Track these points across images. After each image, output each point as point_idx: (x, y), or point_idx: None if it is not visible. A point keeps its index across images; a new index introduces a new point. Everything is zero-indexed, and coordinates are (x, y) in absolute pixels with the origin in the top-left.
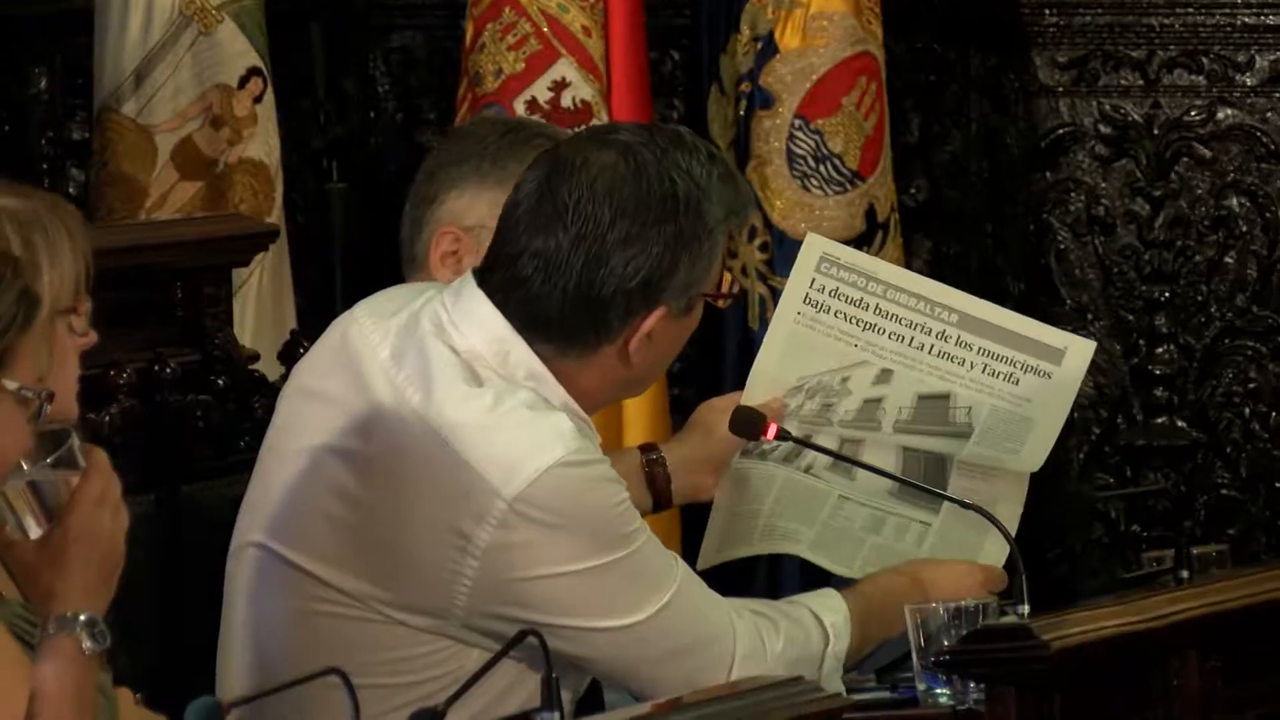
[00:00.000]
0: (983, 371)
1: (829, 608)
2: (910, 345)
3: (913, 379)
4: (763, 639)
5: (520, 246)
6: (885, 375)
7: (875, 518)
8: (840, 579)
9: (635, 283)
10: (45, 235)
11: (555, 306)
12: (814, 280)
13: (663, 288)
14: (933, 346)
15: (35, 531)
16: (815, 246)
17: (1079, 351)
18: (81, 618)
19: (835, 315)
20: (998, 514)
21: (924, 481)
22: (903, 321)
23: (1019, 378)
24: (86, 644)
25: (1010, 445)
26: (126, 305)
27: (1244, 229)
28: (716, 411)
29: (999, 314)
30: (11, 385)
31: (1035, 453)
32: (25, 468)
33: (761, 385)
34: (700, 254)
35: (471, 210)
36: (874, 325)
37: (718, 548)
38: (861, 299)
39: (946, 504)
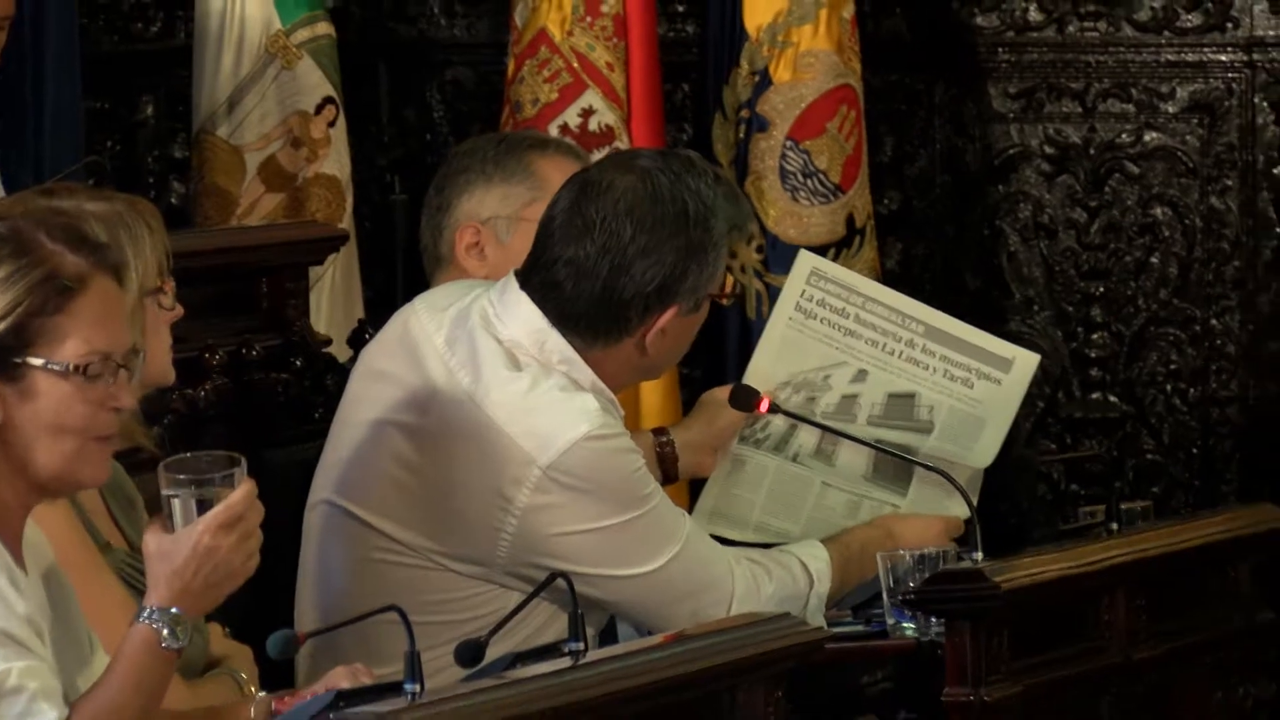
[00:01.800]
0: (943, 376)
1: (813, 555)
2: (883, 350)
3: (884, 379)
4: (757, 583)
5: (555, 255)
6: (861, 375)
7: (852, 503)
8: None
9: (652, 287)
10: (129, 230)
11: (584, 306)
12: (804, 291)
13: (675, 291)
14: (902, 352)
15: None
16: (806, 262)
17: (1025, 362)
18: (172, 611)
19: (821, 322)
20: (956, 504)
21: (892, 473)
22: (878, 330)
23: (973, 382)
24: (165, 639)
25: (965, 442)
26: (220, 298)
27: (1166, 234)
28: (717, 399)
29: (959, 327)
30: (38, 361)
31: (987, 449)
32: (194, 479)
33: (757, 379)
34: (707, 262)
35: (484, 205)
36: (853, 332)
37: (709, 518)
38: (844, 309)
39: (913, 486)
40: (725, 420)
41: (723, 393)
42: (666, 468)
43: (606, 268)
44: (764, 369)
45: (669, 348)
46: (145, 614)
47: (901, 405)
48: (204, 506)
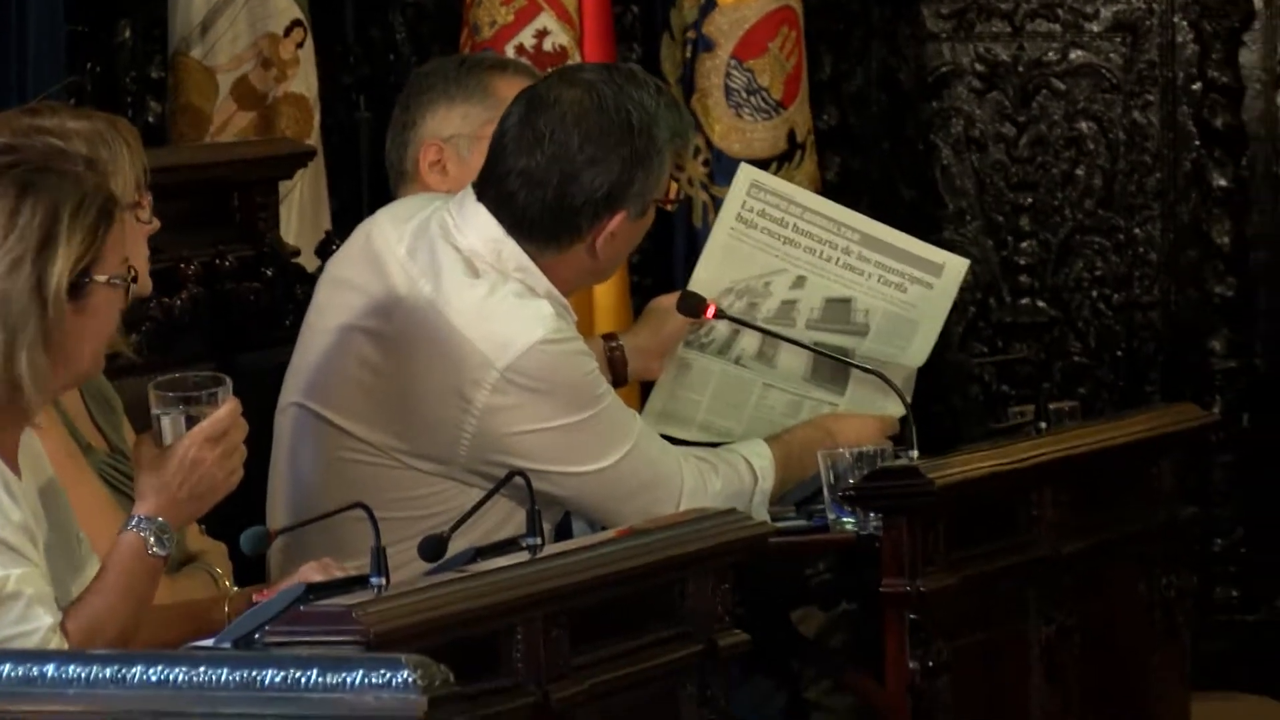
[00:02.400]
0: (878, 281)
1: (757, 453)
2: (820, 258)
3: (822, 285)
4: (704, 479)
5: (508, 167)
6: (800, 281)
7: (793, 403)
8: None
9: (600, 194)
10: (109, 147)
11: (536, 214)
12: (745, 203)
13: (622, 197)
14: (838, 259)
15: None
16: (746, 175)
17: (955, 267)
18: (159, 520)
19: (761, 231)
20: (892, 404)
21: (830, 374)
22: (814, 238)
23: (906, 287)
24: (152, 546)
25: (899, 343)
26: (194, 211)
27: (1091, 147)
28: (663, 306)
29: (892, 234)
30: (102, 278)
31: (920, 350)
32: (182, 397)
33: (701, 286)
34: (651, 169)
35: (447, 123)
36: (792, 240)
37: (658, 419)
38: (783, 219)
39: (850, 386)
40: (672, 326)
41: (669, 299)
42: (616, 371)
43: (556, 177)
44: (708, 277)
45: (616, 253)
46: (134, 523)
47: (838, 309)
48: (191, 423)
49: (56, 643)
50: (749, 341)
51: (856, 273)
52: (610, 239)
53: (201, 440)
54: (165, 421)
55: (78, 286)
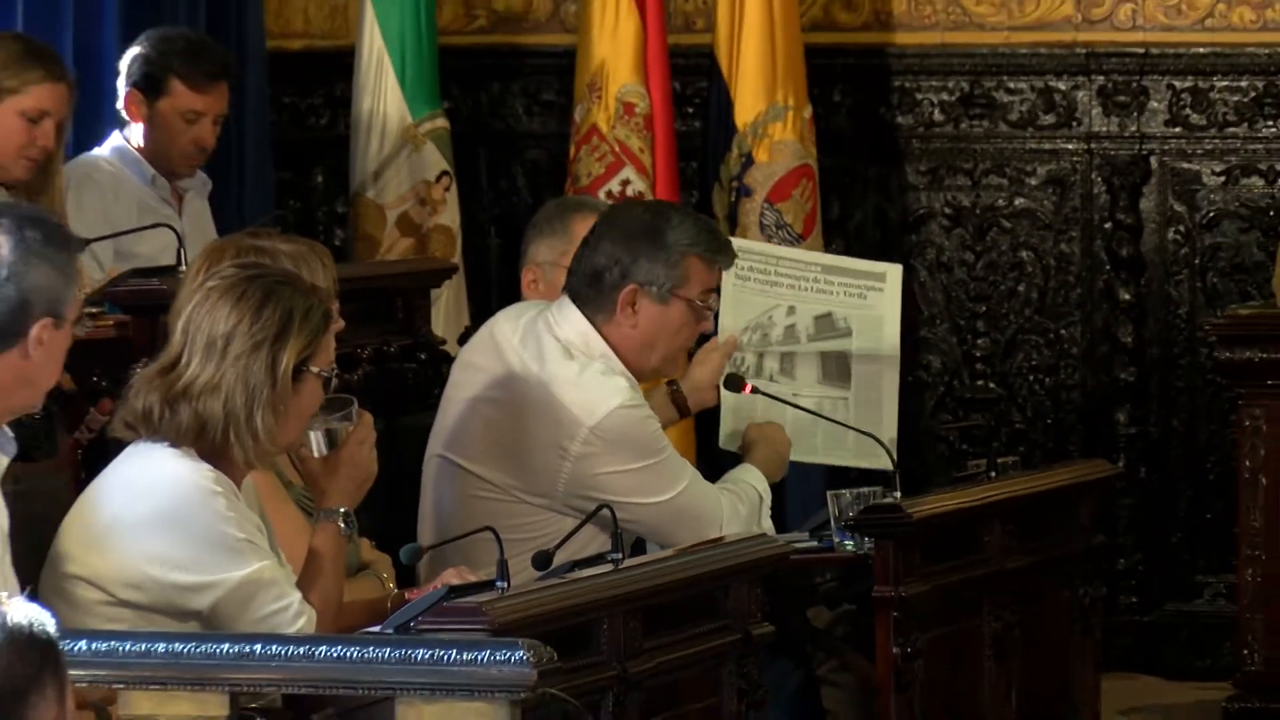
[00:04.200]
0: (844, 295)
1: (756, 477)
2: (798, 289)
3: (807, 308)
4: (735, 506)
5: (574, 267)
6: (792, 310)
7: (816, 404)
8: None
9: (616, 268)
10: (308, 265)
11: (581, 286)
12: (738, 265)
13: (629, 273)
14: (811, 286)
15: (321, 454)
16: (735, 245)
17: (894, 271)
18: (341, 510)
19: (754, 281)
20: (884, 385)
21: (835, 374)
22: (791, 276)
23: (865, 293)
24: (342, 528)
25: (875, 336)
26: (368, 311)
27: (1029, 270)
28: (706, 350)
29: (842, 260)
30: (315, 369)
31: (891, 338)
32: (323, 417)
33: (726, 330)
34: (658, 256)
35: (540, 252)
36: (775, 282)
37: (728, 439)
38: (765, 269)
39: (852, 382)
40: (713, 365)
41: (710, 345)
42: (680, 406)
43: (591, 259)
44: (729, 323)
45: (652, 336)
46: (325, 515)
47: (825, 322)
48: (329, 434)
49: (307, 612)
50: (771, 364)
51: (827, 293)
52: (632, 311)
53: (355, 443)
54: (311, 437)
55: (298, 372)
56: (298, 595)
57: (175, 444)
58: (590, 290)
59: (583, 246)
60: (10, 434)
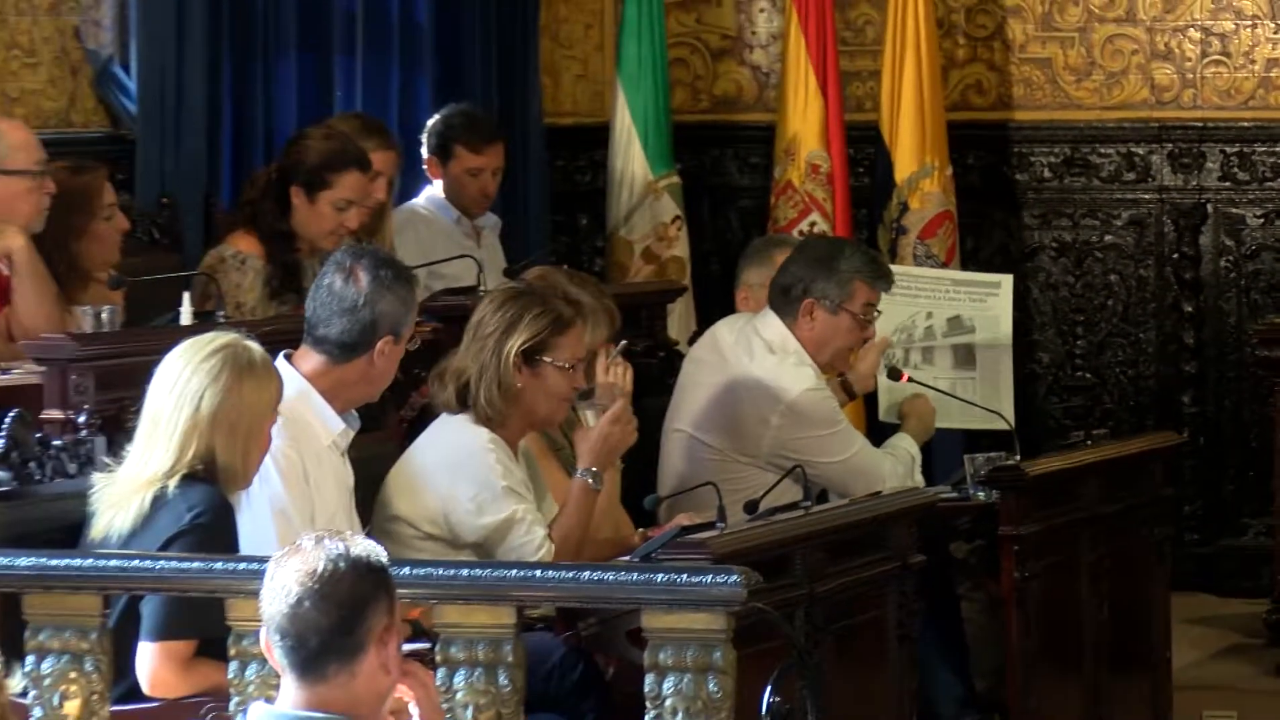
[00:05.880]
0: (969, 300)
1: (910, 443)
2: (932, 298)
3: (941, 312)
4: (894, 466)
5: (777, 288)
6: (929, 314)
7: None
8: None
9: (799, 283)
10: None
11: (775, 297)
12: None
13: (808, 289)
14: (943, 295)
15: (591, 424)
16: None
17: (1006, 280)
18: (593, 470)
19: (899, 293)
20: (1001, 367)
21: (963, 356)
22: (926, 290)
23: (983, 298)
24: (592, 485)
25: (993, 329)
26: (626, 321)
27: (1116, 290)
28: (866, 349)
29: (964, 274)
30: (548, 359)
31: (1005, 331)
32: (593, 400)
33: (879, 333)
34: (831, 277)
35: (749, 277)
36: (915, 293)
37: (886, 411)
38: (906, 284)
39: (977, 366)
40: (871, 360)
41: (869, 345)
42: (848, 391)
43: (782, 278)
44: (881, 327)
45: (825, 338)
46: (580, 473)
47: (954, 322)
48: (599, 411)
49: (547, 545)
50: (915, 355)
51: (955, 300)
52: (811, 319)
53: (609, 421)
54: (587, 414)
55: (531, 362)
56: (543, 532)
57: (464, 414)
58: (780, 300)
59: (775, 279)
60: (355, 414)
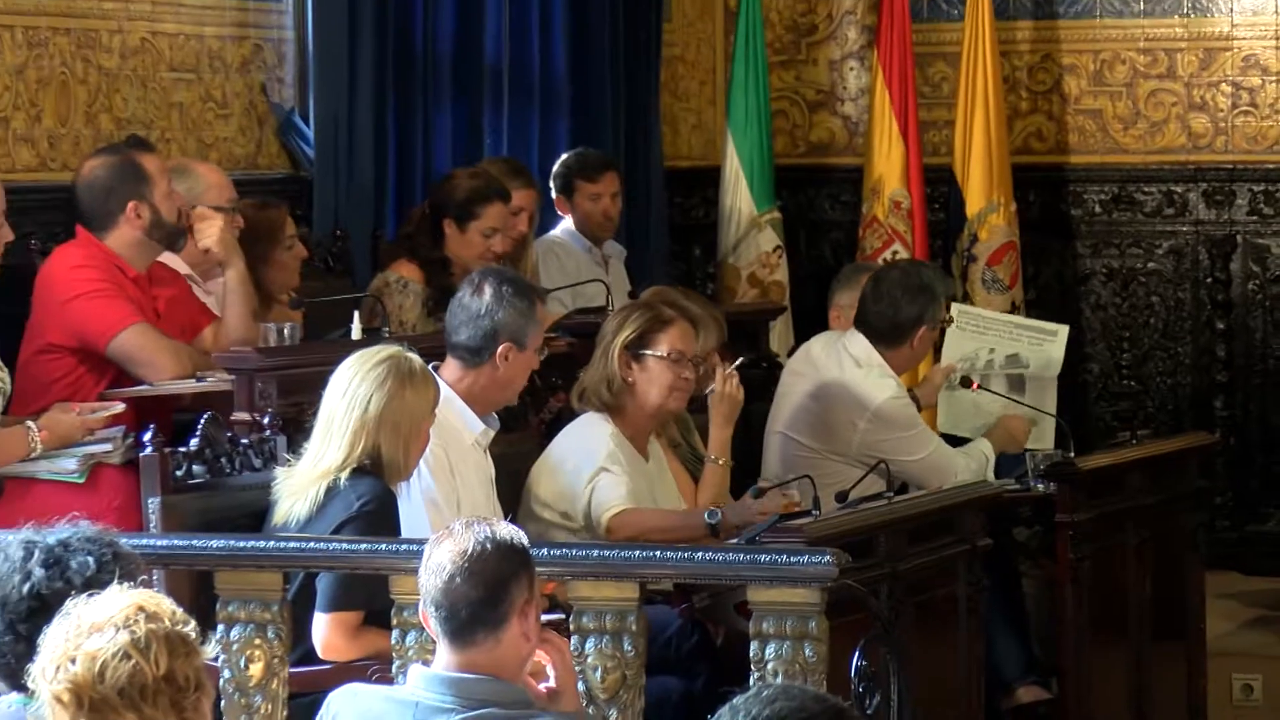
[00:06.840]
0: (1027, 343)
1: (986, 447)
2: (996, 336)
3: (1003, 349)
4: (966, 463)
5: (867, 310)
6: (992, 350)
7: (1005, 405)
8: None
9: (912, 315)
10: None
11: (884, 327)
12: (957, 318)
13: (921, 318)
14: (1006, 336)
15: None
16: (956, 308)
17: (1062, 329)
18: (719, 514)
19: (966, 329)
20: (1046, 397)
21: (1016, 384)
22: (991, 329)
23: (1040, 341)
24: (708, 524)
25: (1045, 368)
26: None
27: (1158, 309)
28: (933, 370)
29: (1026, 320)
30: (648, 352)
31: (1055, 369)
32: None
33: (945, 360)
34: (928, 303)
35: (841, 299)
36: (982, 330)
37: (944, 423)
38: (975, 323)
39: (1027, 392)
40: (935, 381)
41: (936, 368)
42: (916, 404)
43: (886, 310)
44: (948, 354)
45: (922, 352)
46: (709, 515)
47: (1013, 359)
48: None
49: (617, 509)
50: (975, 379)
51: (1014, 340)
52: (912, 347)
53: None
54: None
55: (636, 354)
56: (620, 506)
57: (596, 413)
58: (886, 329)
59: (865, 304)
60: (496, 416)
